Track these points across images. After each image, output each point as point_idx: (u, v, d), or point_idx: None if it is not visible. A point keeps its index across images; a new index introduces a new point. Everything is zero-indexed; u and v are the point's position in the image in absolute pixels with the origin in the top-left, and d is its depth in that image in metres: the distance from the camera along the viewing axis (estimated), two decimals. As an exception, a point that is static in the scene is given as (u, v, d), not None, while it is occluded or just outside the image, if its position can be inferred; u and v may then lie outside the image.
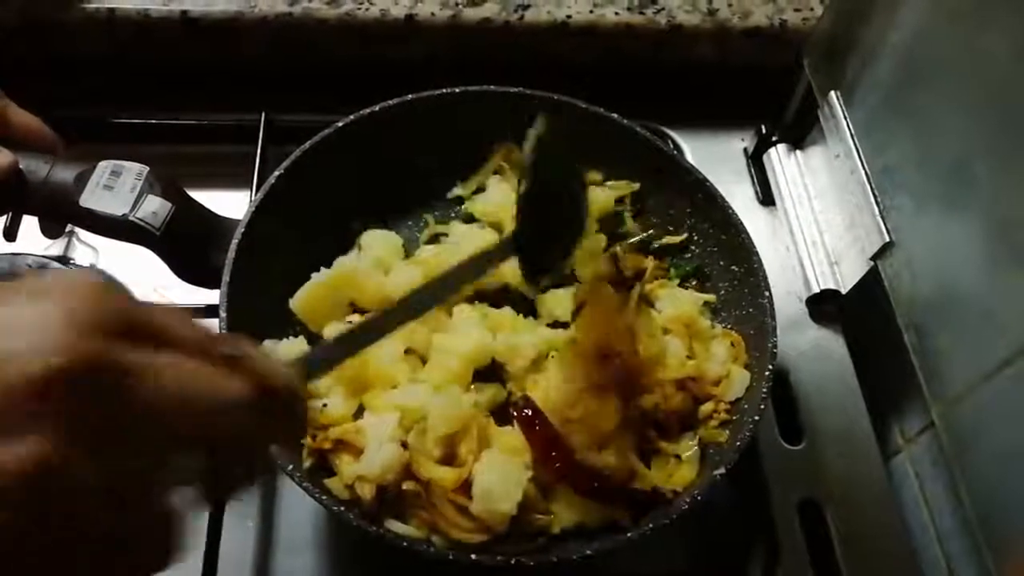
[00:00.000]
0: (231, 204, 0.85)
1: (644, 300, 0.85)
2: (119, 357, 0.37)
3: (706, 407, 0.79)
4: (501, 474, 0.70)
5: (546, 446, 0.72)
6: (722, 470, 0.71)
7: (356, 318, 0.80)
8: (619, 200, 0.93)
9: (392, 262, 0.86)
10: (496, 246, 0.72)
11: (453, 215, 0.93)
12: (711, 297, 0.87)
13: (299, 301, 0.80)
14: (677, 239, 0.91)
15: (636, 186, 0.93)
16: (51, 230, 0.85)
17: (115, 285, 0.42)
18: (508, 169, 0.93)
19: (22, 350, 0.35)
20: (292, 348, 0.77)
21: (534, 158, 0.70)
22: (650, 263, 0.89)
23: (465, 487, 0.70)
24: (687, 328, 0.83)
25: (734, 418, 0.78)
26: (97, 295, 0.38)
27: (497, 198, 0.91)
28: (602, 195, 0.92)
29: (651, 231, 0.92)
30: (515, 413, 0.74)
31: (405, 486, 0.71)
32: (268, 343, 0.77)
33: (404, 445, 0.72)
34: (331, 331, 0.79)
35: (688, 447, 0.77)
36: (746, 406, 0.77)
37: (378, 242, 0.87)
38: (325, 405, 0.75)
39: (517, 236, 0.71)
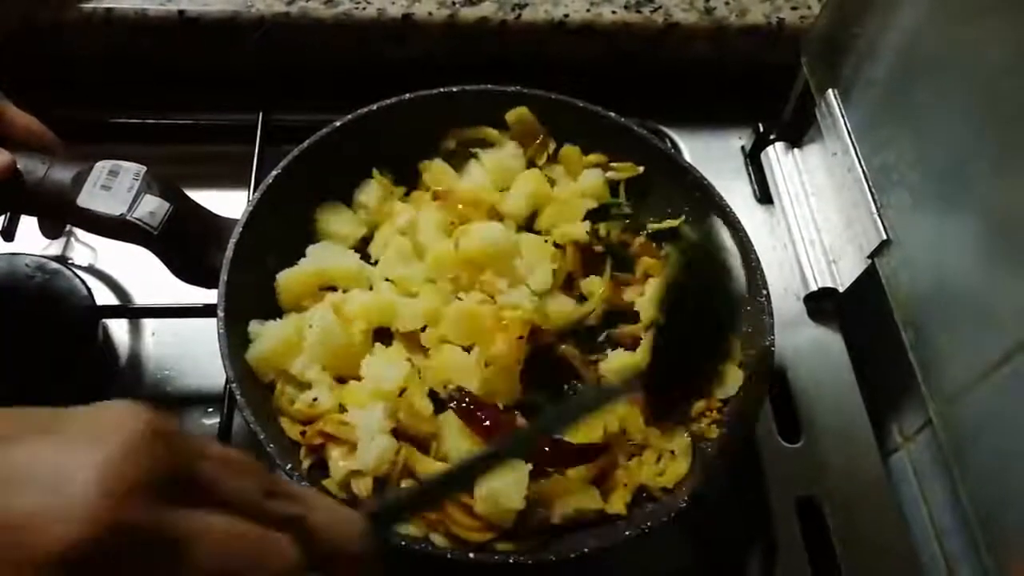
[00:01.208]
0: (229, 204, 0.85)
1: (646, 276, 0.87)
2: (159, 525, 0.34)
3: (699, 405, 0.79)
4: (504, 473, 0.69)
5: (495, 432, 0.71)
6: (720, 468, 0.71)
7: (330, 295, 0.80)
8: (615, 186, 0.92)
9: (352, 232, 0.86)
10: (619, 384, 0.69)
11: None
12: None
13: (284, 281, 0.80)
14: (675, 222, 0.90)
15: (640, 169, 0.91)
16: (50, 230, 0.85)
17: (166, 423, 0.37)
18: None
19: (52, 510, 0.32)
20: (277, 328, 0.77)
21: (678, 283, 0.65)
22: (640, 239, 0.89)
23: None
24: None
25: (727, 419, 0.77)
26: (148, 443, 0.34)
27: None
28: (595, 179, 0.91)
29: (650, 218, 0.91)
30: (453, 407, 0.73)
31: (404, 485, 0.71)
32: (254, 323, 0.77)
33: (395, 435, 0.72)
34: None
35: (681, 441, 0.77)
36: (744, 404, 0.77)
37: (333, 219, 0.86)
38: (316, 399, 0.74)
39: (649, 372, 0.67)
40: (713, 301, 0.68)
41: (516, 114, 0.91)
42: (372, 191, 0.88)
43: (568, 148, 0.92)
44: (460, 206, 0.86)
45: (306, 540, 0.39)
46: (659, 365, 0.66)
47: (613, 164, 0.92)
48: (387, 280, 0.82)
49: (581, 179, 0.91)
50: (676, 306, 0.65)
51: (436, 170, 0.90)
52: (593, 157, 0.92)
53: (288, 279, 0.80)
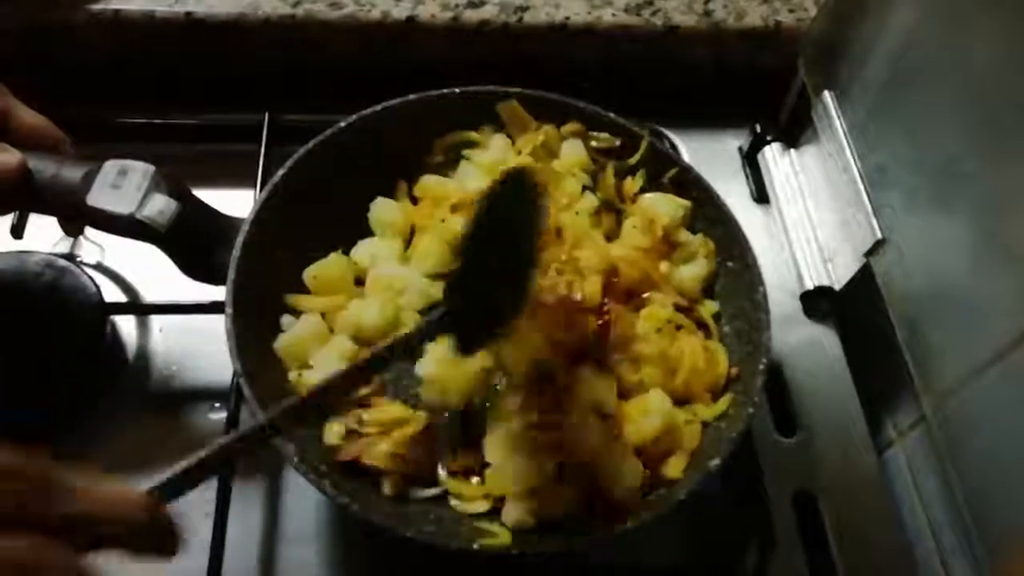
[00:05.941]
0: (236, 203, 0.86)
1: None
2: None
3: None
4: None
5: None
6: (717, 462, 0.72)
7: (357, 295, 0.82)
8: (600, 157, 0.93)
9: (400, 224, 0.87)
10: (420, 327, 0.68)
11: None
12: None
13: (313, 273, 0.83)
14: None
15: (618, 142, 0.92)
16: (71, 228, 0.87)
17: None
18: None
19: None
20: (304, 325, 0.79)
21: (480, 225, 0.63)
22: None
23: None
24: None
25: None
26: None
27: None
28: (576, 150, 0.92)
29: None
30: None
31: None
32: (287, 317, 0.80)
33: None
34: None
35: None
36: (741, 399, 0.78)
37: (382, 211, 0.88)
38: (300, 374, 0.76)
39: (446, 314, 0.65)
40: (518, 238, 0.67)
41: (507, 108, 0.92)
42: (390, 211, 0.88)
43: (546, 128, 0.92)
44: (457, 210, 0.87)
45: (87, 530, 0.42)
46: (459, 302, 0.65)
47: (592, 134, 0.93)
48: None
49: (562, 153, 0.92)
50: (480, 243, 0.64)
51: (429, 187, 0.90)
52: (569, 127, 0.92)
53: (315, 272, 0.83)
